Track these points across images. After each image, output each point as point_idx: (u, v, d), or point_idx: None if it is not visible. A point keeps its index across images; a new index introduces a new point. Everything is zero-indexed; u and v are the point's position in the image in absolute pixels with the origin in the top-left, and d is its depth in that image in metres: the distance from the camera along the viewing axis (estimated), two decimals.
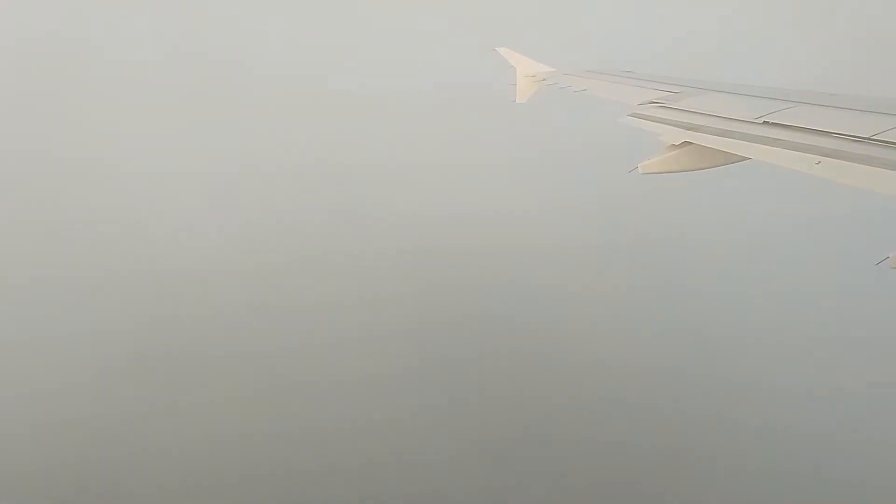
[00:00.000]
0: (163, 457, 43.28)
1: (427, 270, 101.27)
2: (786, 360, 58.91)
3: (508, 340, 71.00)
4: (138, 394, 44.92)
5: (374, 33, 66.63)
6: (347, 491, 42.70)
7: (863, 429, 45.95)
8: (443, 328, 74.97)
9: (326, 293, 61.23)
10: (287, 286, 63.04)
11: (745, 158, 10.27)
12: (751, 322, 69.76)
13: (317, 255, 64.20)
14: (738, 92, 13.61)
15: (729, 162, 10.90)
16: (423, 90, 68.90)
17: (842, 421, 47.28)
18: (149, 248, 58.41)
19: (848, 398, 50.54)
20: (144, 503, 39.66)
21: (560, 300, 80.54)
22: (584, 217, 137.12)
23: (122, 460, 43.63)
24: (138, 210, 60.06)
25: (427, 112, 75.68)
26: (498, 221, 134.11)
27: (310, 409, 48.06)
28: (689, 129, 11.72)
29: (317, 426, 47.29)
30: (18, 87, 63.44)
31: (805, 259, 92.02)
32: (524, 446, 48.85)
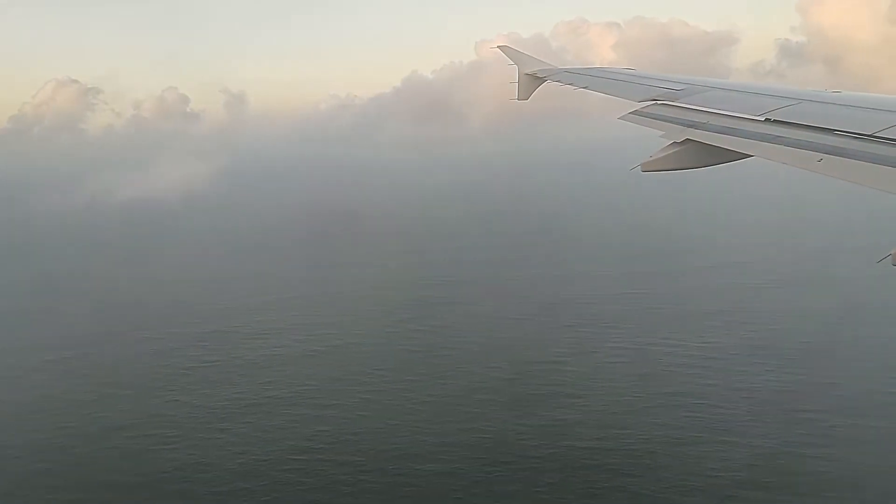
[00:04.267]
0: None
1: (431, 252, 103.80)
2: (786, 356, 60.88)
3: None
4: None
5: None
6: None
7: (862, 423, 48.02)
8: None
9: None
10: None
11: (746, 156, 9.99)
12: (751, 318, 72.36)
13: None
14: (741, 89, 13.14)
15: (731, 159, 10.62)
16: None
17: (839, 416, 49.19)
18: None
19: (848, 393, 52.51)
20: None
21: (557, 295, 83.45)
22: (585, 213, 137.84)
23: None
24: None
25: None
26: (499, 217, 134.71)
27: None
28: (690, 126, 11.40)
29: None
30: None
31: (806, 256, 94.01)
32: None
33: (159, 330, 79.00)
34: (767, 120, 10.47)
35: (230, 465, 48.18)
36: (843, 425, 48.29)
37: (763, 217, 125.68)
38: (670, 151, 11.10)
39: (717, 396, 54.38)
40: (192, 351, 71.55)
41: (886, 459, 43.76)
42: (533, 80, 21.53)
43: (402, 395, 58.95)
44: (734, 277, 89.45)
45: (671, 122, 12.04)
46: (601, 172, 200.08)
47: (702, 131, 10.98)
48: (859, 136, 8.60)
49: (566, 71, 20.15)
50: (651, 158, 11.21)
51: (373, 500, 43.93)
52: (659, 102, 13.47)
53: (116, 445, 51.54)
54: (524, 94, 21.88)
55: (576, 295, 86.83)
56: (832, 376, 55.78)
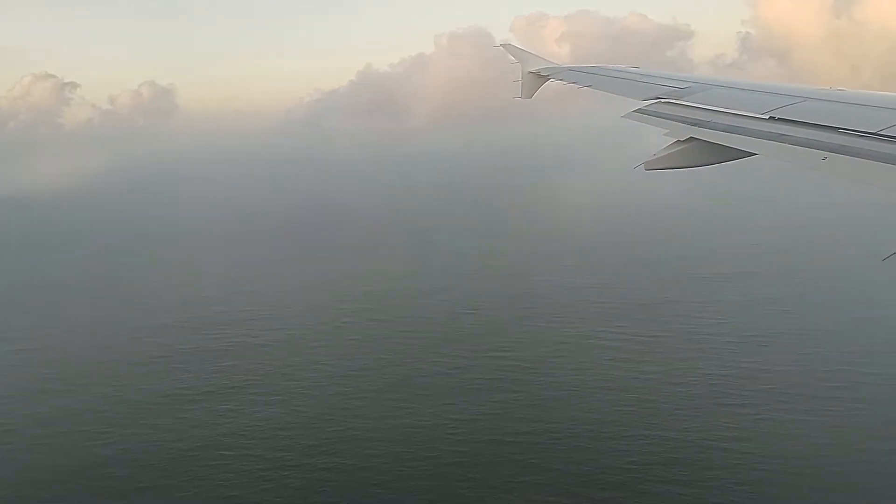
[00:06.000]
0: None
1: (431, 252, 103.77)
2: (727, 347, 60.81)
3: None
4: None
5: None
6: None
7: (787, 417, 47.92)
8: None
9: None
10: None
11: (751, 154, 9.92)
12: (701, 309, 72.08)
13: None
14: (744, 88, 13.10)
15: (735, 158, 10.53)
16: None
17: (766, 409, 49.17)
18: None
19: (778, 386, 52.25)
20: None
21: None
22: (588, 212, 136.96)
23: None
24: None
25: None
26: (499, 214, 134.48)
27: None
28: (694, 124, 11.33)
29: None
30: None
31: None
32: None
33: (109, 324, 78.70)
34: (771, 118, 10.44)
35: (153, 460, 47.97)
36: (770, 418, 48.28)
37: (744, 213, 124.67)
38: (675, 150, 11.03)
39: (651, 389, 54.26)
40: (138, 346, 71.21)
41: (805, 453, 43.76)
42: (536, 79, 21.44)
43: (341, 389, 58.73)
44: (695, 269, 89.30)
45: (675, 120, 12.03)
46: (576, 168, 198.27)
47: (706, 129, 10.94)
48: (863, 135, 8.55)
49: (569, 69, 20.09)
50: (655, 157, 11.10)
51: (291, 496, 43.76)
52: (662, 101, 13.46)
53: (44, 441, 51.32)
54: (528, 92, 21.75)
55: (535, 287, 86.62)
56: (767, 368, 55.75)
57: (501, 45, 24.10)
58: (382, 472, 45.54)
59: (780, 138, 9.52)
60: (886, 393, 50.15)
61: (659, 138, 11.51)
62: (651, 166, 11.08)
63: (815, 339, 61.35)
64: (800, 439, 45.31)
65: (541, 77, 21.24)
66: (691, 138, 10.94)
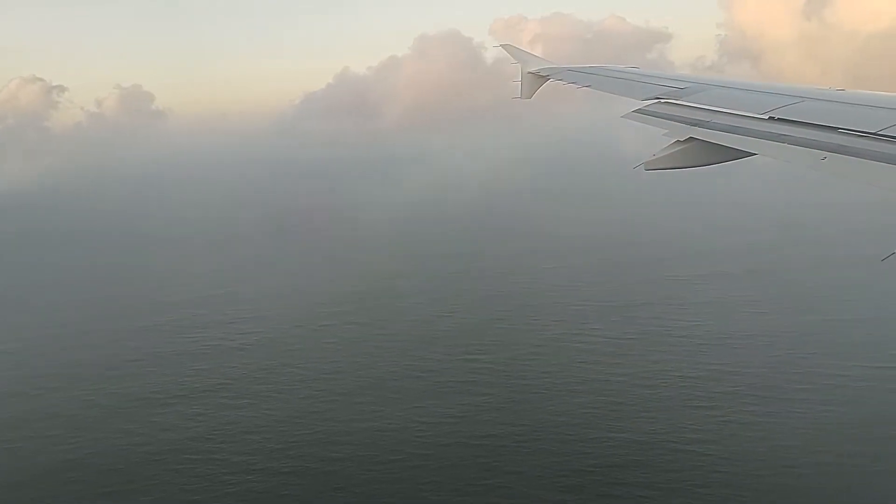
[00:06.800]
0: None
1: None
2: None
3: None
4: None
5: None
6: None
7: (751, 419, 47.79)
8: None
9: None
10: None
11: (751, 154, 9.95)
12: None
13: None
14: (744, 88, 13.12)
15: (734, 158, 10.58)
16: None
17: (732, 409, 49.10)
18: None
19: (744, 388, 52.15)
20: None
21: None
22: (588, 210, 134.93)
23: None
24: None
25: None
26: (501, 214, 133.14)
27: None
28: (693, 125, 11.38)
29: None
30: None
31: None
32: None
33: (92, 325, 78.67)
34: (771, 118, 10.45)
35: (120, 464, 47.92)
36: (735, 420, 48.26)
37: (743, 213, 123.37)
38: (675, 150, 11.07)
39: (620, 391, 54.21)
40: (116, 348, 71.19)
41: (768, 455, 43.73)
42: (536, 79, 21.55)
43: (312, 392, 58.62)
44: (687, 270, 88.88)
45: (675, 120, 12.08)
46: (573, 169, 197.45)
47: (706, 129, 10.98)
48: (863, 135, 8.57)
49: (569, 70, 20.18)
50: (655, 157, 11.14)
51: (255, 500, 43.70)
52: (662, 101, 13.50)
53: (11, 446, 51.28)
54: (527, 92, 21.83)
55: (515, 289, 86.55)
56: (737, 370, 55.74)
57: (502, 45, 24.13)
58: (347, 475, 45.49)
59: (780, 138, 9.53)
60: (853, 394, 50.15)
61: (659, 138, 11.56)
62: (651, 166, 11.11)
63: (787, 340, 61.34)
64: (764, 441, 45.27)
65: (540, 77, 21.37)
66: (691, 138, 10.99)
